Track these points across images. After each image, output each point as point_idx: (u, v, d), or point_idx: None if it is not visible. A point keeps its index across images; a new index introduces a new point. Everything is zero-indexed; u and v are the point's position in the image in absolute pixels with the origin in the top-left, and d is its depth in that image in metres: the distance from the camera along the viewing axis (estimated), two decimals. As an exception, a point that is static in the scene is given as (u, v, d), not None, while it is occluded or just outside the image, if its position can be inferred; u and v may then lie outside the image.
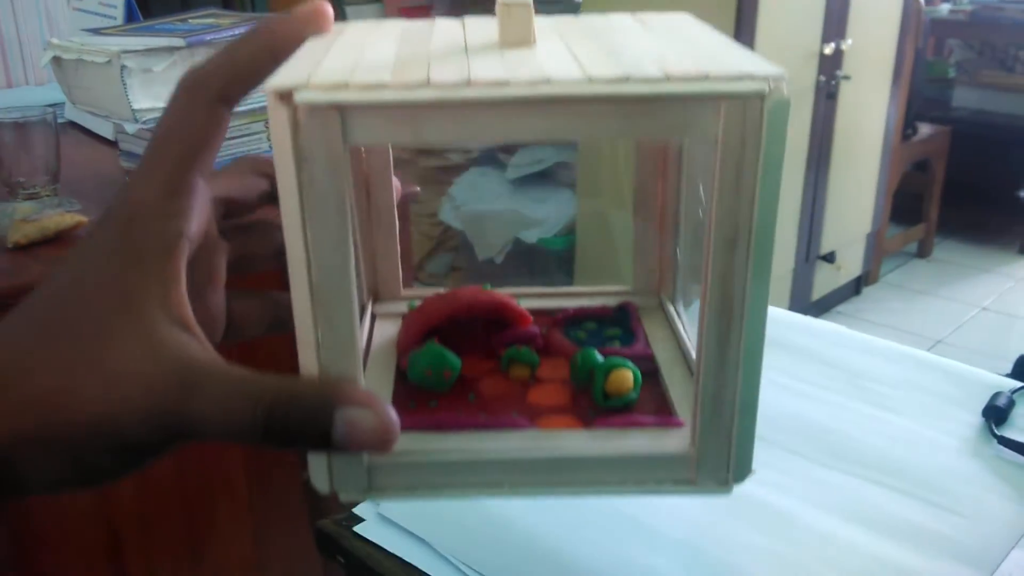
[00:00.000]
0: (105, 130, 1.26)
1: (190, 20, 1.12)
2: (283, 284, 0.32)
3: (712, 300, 0.33)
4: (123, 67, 0.99)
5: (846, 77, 2.34)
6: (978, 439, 0.65)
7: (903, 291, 2.95)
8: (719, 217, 0.31)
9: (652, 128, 0.31)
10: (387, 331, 0.45)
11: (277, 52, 0.32)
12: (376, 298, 0.49)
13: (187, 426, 0.29)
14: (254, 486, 1.07)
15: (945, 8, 3.42)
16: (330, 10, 0.34)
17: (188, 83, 0.31)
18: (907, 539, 0.55)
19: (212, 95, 0.31)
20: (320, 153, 0.29)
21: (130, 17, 1.28)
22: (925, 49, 3.07)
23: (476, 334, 0.43)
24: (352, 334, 0.32)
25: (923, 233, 3.17)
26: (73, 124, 1.34)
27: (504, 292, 0.44)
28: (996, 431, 0.65)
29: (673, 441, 0.36)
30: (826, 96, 2.32)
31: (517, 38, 0.33)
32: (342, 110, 0.29)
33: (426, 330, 0.41)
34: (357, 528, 0.56)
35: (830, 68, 2.30)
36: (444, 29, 0.37)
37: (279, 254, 0.32)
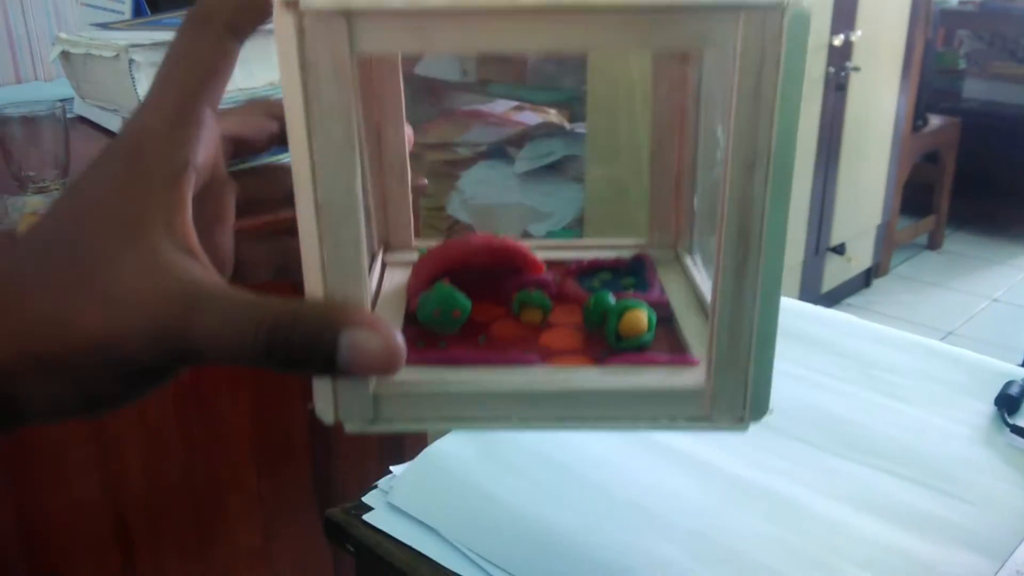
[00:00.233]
0: (114, 124, 1.26)
1: (198, 13, 1.12)
2: (293, 231, 0.32)
3: (729, 227, 0.32)
4: (131, 61, 0.99)
5: (856, 68, 2.33)
6: (990, 428, 0.65)
7: (913, 283, 2.94)
8: (737, 139, 0.31)
9: (667, 40, 0.30)
10: (398, 278, 0.44)
11: None
12: (387, 247, 0.48)
13: (190, 348, 0.28)
14: (263, 476, 1.07)
15: (955, -2, 3.40)
16: None
17: (196, 14, 0.31)
18: (918, 528, 0.55)
19: (220, 26, 0.31)
20: (326, 62, 0.28)
21: (138, 12, 1.29)
22: (935, 40, 3.06)
23: (488, 281, 0.42)
24: (358, 256, 0.31)
25: (933, 225, 3.15)
26: (82, 119, 1.34)
27: (524, 244, 0.43)
28: (1008, 420, 0.65)
29: (688, 377, 0.36)
30: (836, 87, 2.31)
31: None
32: (349, 16, 0.28)
33: (437, 273, 0.41)
34: (366, 517, 0.56)
35: (839, 59, 2.29)
36: None
37: (288, 198, 0.32)
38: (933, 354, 0.75)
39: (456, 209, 2.58)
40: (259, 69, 0.98)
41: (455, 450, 0.61)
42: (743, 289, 0.32)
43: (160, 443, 0.99)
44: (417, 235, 0.48)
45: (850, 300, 2.77)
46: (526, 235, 2.38)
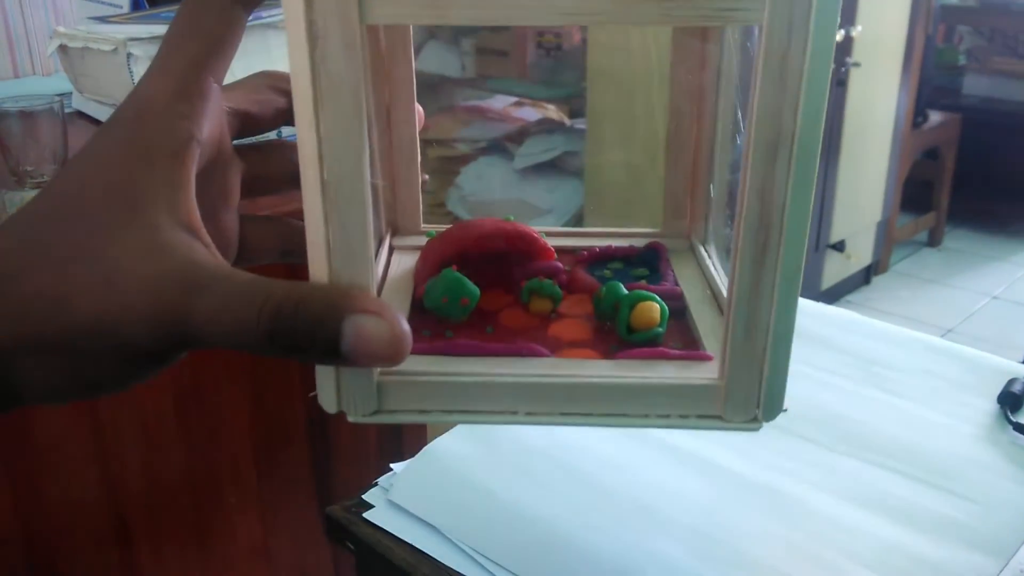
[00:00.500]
0: (112, 119, 1.26)
1: (196, 7, 1.12)
2: (301, 213, 0.31)
3: (749, 214, 0.30)
4: (129, 55, 0.99)
5: (856, 64, 2.33)
6: (993, 426, 0.65)
7: (913, 280, 2.94)
8: (760, 118, 0.29)
9: (692, 14, 0.28)
10: (405, 263, 0.43)
11: None
12: (395, 231, 0.46)
13: (190, 330, 0.27)
14: (263, 472, 1.07)
15: (955, -6, 3.39)
16: None
17: None
18: (920, 526, 0.54)
19: None
20: (335, 30, 0.27)
21: (136, 5, 1.28)
22: (935, 36, 3.05)
23: (498, 267, 0.41)
24: (365, 238, 0.30)
25: (933, 222, 3.15)
26: (80, 113, 1.34)
27: (535, 230, 0.42)
28: (1011, 417, 0.65)
29: (700, 373, 0.34)
30: (836, 83, 2.30)
31: None
32: None
33: (445, 259, 0.39)
34: (367, 514, 0.56)
35: (840, 55, 2.28)
36: None
37: (296, 178, 0.30)
38: (935, 351, 0.75)
39: (455, 205, 2.57)
40: (258, 64, 0.97)
41: (456, 447, 0.61)
42: (761, 281, 0.31)
43: (159, 439, 0.99)
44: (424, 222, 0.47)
45: (850, 297, 2.77)
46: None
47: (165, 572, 1.02)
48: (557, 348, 0.36)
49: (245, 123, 0.34)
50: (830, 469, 0.60)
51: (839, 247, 2.57)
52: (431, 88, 2.58)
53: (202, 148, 0.30)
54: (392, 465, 0.60)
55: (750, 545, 0.53)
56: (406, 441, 1.11)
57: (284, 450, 1.08)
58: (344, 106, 0.28)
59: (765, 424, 0.34)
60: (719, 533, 0.54)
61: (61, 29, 1.10)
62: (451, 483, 0.58)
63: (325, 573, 1.15)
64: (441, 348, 0.35)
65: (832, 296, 2.67)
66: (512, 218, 0.41)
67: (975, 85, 3.34)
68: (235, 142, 0.35)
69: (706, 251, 0.45)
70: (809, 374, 0.71)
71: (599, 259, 0.44)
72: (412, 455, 0.60)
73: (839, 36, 2.24)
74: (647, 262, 0.44)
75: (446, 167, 2.58)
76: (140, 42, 0.99)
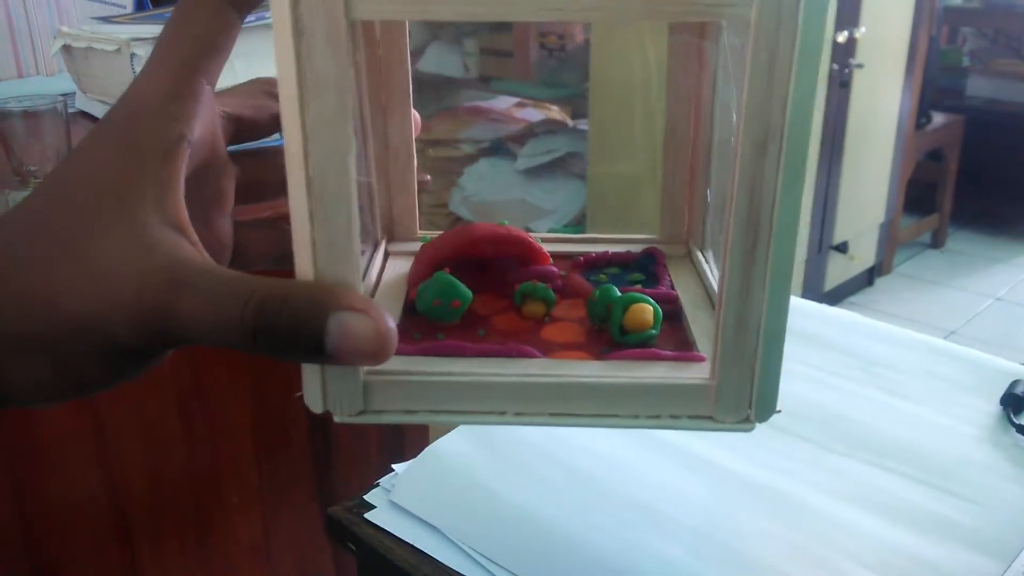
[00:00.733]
0: (115, 119, 1.26)
1: (200, 8, 1.12)
2: None
3: (738, 211, 0.30)
4: (133, 55, 0.99)
5: (859, 65, 2.32)
6: (996, 427, 0.64)
7: (916, 281, 2.93)
8: (749, 115, 0.29)
9: (679, 9, 0.28)
10: (400, 268, 0.43)
11: None
12: (391, 237, 0.46)
13: (174, 327, 0.27)
14: (264, 472, 1.07)
15: (959, -4, 3.39)
16: None
17: None
18: (923, 528, 0.54)
19: None
20: (320, 26, 0.27)
21: (140, 5, 1.28)
22: (939, 37, 3.05)
23: (492, 271, 0.41)
24: (351, 236, 0.30)
25: (937, 223, 3.15)
26: (84, 113, 1.34)
27: (530, 234, 0.42)
28: (1014, 419, 0.64)
29: (692, 373, 0.34)
30: (839, 84, 2.30)
31: None
32: None
33: (438, 262, 0.39)
34: (368, 515, 0.56)
35: (843, 56, 2.28)
36: None
37: None
38: (938, 353, 0.74)
39: (458, 206, 2.57)
40: (260, 65, 0.97)
41: (457, 448, 0.61)
42: (751, 278, 0.31)
43: (161, 439, 0.99)
44: (421, 227, 0.47)
45: (852, 299, 2.77)
46: (529, 232, 2.38)
47: (166, 571, 1.02)
48: (549, 350, 0.36)
49: (240, 128, 0.34)
50: (831, 470, 0.59)
51: (842, 248, 2.57)
52: (434, 88, 2.58)
53: (193, 149, 0.30)
54: (394, 465, 0.60)
55: (750, 545, 0.53)
56: (408, 441, 1.11)
57: (285, 450, 1.08)
58: (329, 104, 0.28)
59: (759, 425, 0.33)
60: (719, 533, 0.54)
61: (65, 29, 1.10)
62: (453, 484, 0.58)
63: (326, 574, 1.16)
64: (429, 349, 0.35)
65: (835, 297, 2.66)
66: (507, 222, 0.41)
67: (979, 87, 3.33)
68: (230, 148, 0.35)
69: (703, 256, 0.45)
70: (810, 375, 0.71)
71: (595, 264, 0.44)
72: (414, 455, 0.60)
73: (842, 37, 2.24)
74: (643, 267, 0.44)
75: (449, 168, 2.59)
76: (144, 42, 0.99)
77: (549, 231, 2.40)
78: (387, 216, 0.46)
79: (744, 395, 0.33)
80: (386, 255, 0.45)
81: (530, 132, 2.44)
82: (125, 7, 1.28)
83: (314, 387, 0.32)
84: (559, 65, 2.47)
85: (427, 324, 0.37)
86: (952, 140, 3.06)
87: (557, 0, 0.28)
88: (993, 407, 0.67)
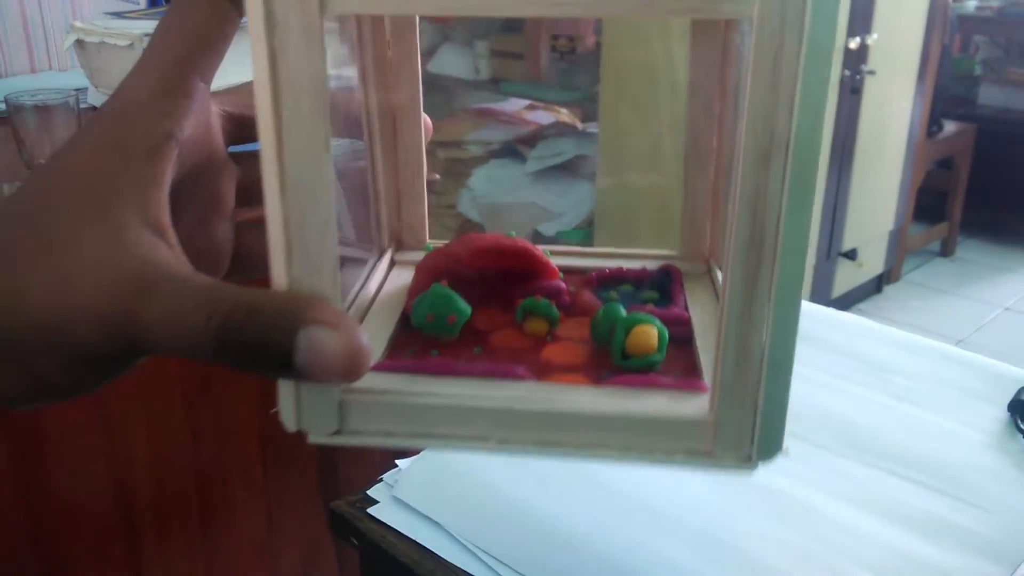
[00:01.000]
0: (127, 114, 1.26)
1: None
2: None
3: (739, 230, 0.28)
4: (145, 50, 0.99)
5: (871, 72, 2.32)
6: (1003, 434, 0.64)
7: (925, 290, 2.92)
8: (752, 124, 0.26)
9: (676, 6, 0.27)
10: (404, 279, 0.41)
11: None
12: (399, 245, 0.44)
13: (138, 334, 0.26)
14: (269, 470, 1.07)
15: (972, 4, 3.38)
16: None
17: None
18: (929, 533, 0.54)
19: None
20: (295, 20, 0.26)
21: (153, 1, 1.29)
22: (951, 45, 3.04)
23: (497, 285, 0.38)
24: (327, 243, 0.28)
25: (946, 232, 3.14)
26: (96, 109, 1.35)
27: (537, 248, 0.40)
28: (1021, 426, 0.64)
29: (691, 405, 0.31)
30: (850, 91, 2.29)
31: None
32: None
33: (438, 274, 0.38)
34: (371, 510, 0.56)
35: (855, 63, 2.27)
36: None
37: None
38: (946, 359, 0.74)
39: (467, 207, 2.58)
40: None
41: (462, 445, 0.61)
42: (754, 304, 0.28)
43: (167, 434, 0.99)
44: (430, 233, 0.46)
45: (861, 306, 2.76)
46: (537, 235, 2.38)
47: (171, 566, 1.03)
48: (546, 372, 0.34)
49: (242, 128, 0.33)
50: (838, 474, 0.59)
51: (851, 255, 2.56)
52: (445, 90, 2.58)
53: (186, 148, 0.29)
54: (397, 461, 0.60)
55: (757, 548, 0.53)
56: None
57: (290, 446, 1.08)
58: (304, 101, 0.27)
59: (762, 466, 0.31)
60: (726, 536, 0.53)
61: (78, 24, 1.11)
62: (456, 480, 0.58)
63: (329, 569, 1.16)
64: (414, 366, 0.33)
65: (843, 304, 2.66)
66: (515, 233, 0.39)
67: (991, 95, 3.32)
68: (232, 148, 0.34)
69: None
70: (819, 379, 0.70)
71: (608, 281, 0.42)
72: (417, 452, 0.60)
73: (854, 43, 2.24)
74: (659, 285, 0.41)
75: (458, 169, 2.59)
76: (155, 38, 0.99)
77: (557, 233, 2.40)
78: (395, 224, 0.44)
79: (745, 432, 0.30)
80: (392, 264, 0.43)
81: (540, 134, 2.44)
82: (138, 2, 1.29)
83: (288, 403, 0.30)
84: (570, 68, 2.47)
85: (422, 339, 0.36)
86: (963, 149, 3.05)
87: None
88: (1001, 413, 0.66)
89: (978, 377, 0.71)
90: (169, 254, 0.27)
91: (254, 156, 0.35)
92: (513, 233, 0.39)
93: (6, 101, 1.01)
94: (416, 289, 0.38)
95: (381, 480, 0.59)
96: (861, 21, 2.25)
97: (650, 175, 2.06)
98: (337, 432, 0.31)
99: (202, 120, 0.30)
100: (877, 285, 2.85)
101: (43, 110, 1.01)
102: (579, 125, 2.48)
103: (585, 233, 2.41)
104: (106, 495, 0.95)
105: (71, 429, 0.91)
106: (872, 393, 0.69)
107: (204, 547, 1.05)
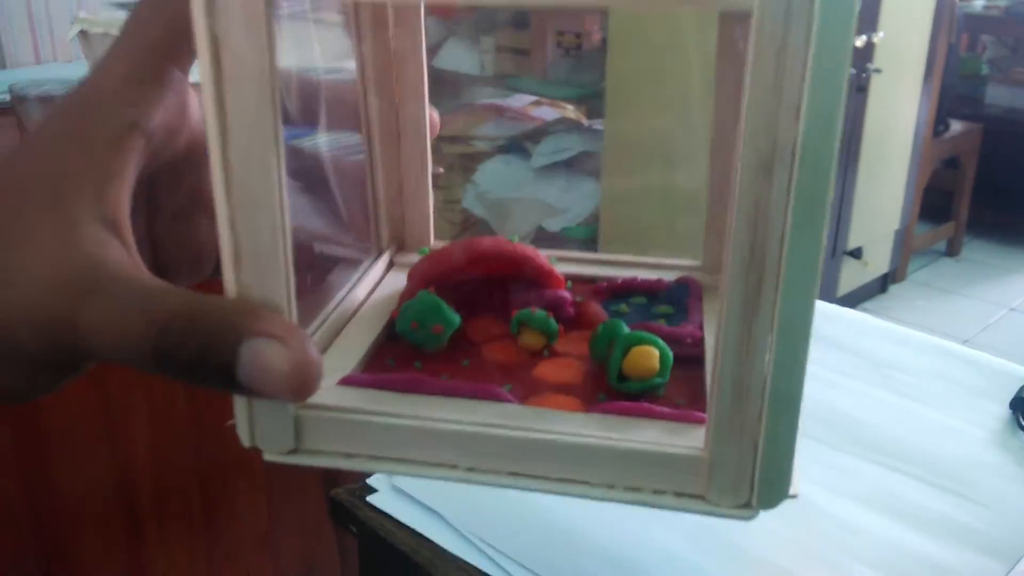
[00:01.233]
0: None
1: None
2: None
3: (737, 249, 0.24)
4: (149, 41, 0.99)
5: (877, 70, 2.31)
6: (1005, 431, 0.64)
7: (930, 290, 2.91)
8: (751, 127, 0.23)
9: None
10: (400, 282, 0.38)
11: None
12: (401, 246, 0.42)
13: (78, 340, 0.24)
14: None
15: (979, 4, 3.37)
16: None
17: None
18: (930, 529, 0.54)
19: None
20: (237, 4, 0.24)
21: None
22: (958, 45, 3.03)
23: (496, 293, 0.36)
24: (278, 247, 0.26)
25: (952, 231, 3.13)
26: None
27: (544, 252, 0.37)
28: (1023, 423, 0.64)
29: (686, 440, 0.28)
30: (856, 89, 2.29)
31: None
32: None
33: (429, 280, 0.35)
34: (370, 498, 0.56)
35: (861, 61, 2.27)
36: None
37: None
38: (949, 356, 0.74)
39: (471, 203, 2.58)
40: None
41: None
42: (753, 332, 0.25)
43: (169, 424, 0.99)
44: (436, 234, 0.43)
45: (866, 305, 2.75)
46: (542, 231, 2.38)
47: (172, 555, 1.03)
48: (534, 392, 0.31)
49: None
50: (839, 469, 0.59)
51: (856, 254, 2.55)
52: (450, 85, 2.58)
53: (158, 140, 0.27)
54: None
55: (755, 543, 0.53)
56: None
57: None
58: (249, 91, 0.24)
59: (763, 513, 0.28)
60: (724, 530, 0.53)
61: (83, 15, 1.11)
62: (456, 471, 0.58)
63: (330, 558, 1.16)
64: (383, 381, 0.30)
65: (848, 303, 2.65)
66: (518, 238, 0.37)
67: (998, 95, 3.31)
68: None
69: None
70: (821, 375, 0.70)
71: (620, 292, 0.38)
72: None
73: (860, 42, 2.23)
74: (675, 299, 0.38)
75: (463, 164, 2.59)
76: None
77: (562, 230, 2.40)
78: (397, 223, 0.41)
79: (744, 474, 0.27)
80: (390, 266, 0.41)
81: (545, 130, 2.44)
82: (143, -6, 1.29)
83: (243, 417, 0.28)
84: (576, 64, 2.47)
85: (407, 349, 0.33)
86: (970, 148, 3.04)
87: None
88: (1003, 410, 0.66)
89: (980, 374, 0.71)
90: (120, 253, 0.25)
91: None
92: (516, 238, 0.37)
93: (10, 92, 1.01)
94: (407, 295, 0.35)
95: (381, 470, 0.59)
96: (867, 19, 2.25)
97: (655, 172, 2.06)
98: (293, 451, 0.29)
99: (178, 109, 0.28)
100: (882, 284, 2.85)
101: (47, 101, 1.01)
102: (585, 121, 2.48)
103: (590, 229, 2.41)
104: (108, 484, 0.96)
105: (73, 418, 0.91)
106: (874, 389, 0.69)
107: (205, 536, 1.05)
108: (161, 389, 0.97)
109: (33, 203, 0.25)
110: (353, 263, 0.38)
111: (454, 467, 0.28)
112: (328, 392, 0.29)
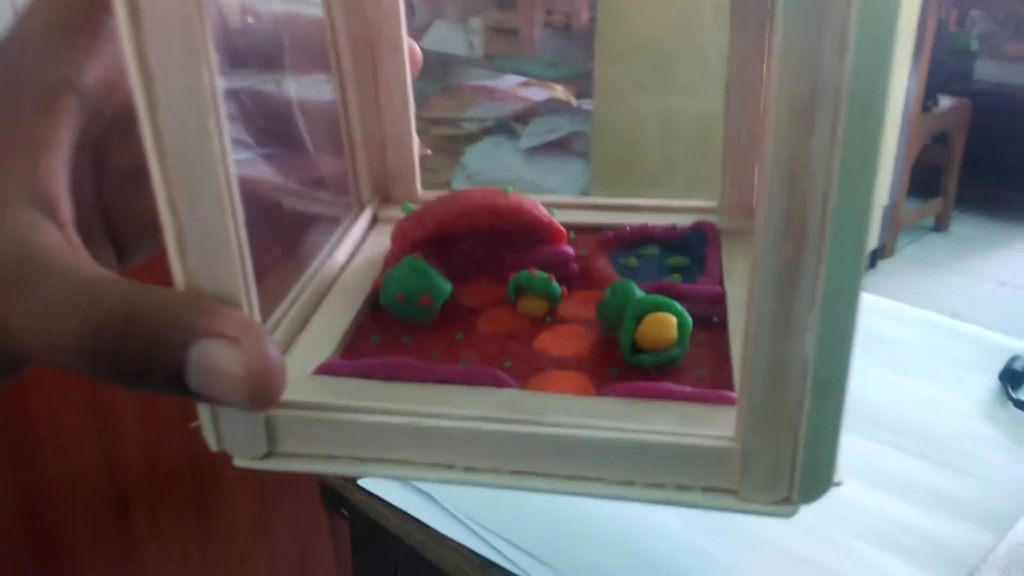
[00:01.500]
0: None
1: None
2: None
3: (771, 210, 0.20)
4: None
5: (866, 46, 2.31)
6: (994, 402, 0.64)
7: (920, 265, 2.92)
8: (785, 68, 0.19)
9: None
10: (385, 242, 0.34)
11: None
12: (385, 199, 0.37)
13: (9, 341, 0.21)
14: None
15: (968, -22, 3.36)
16: None
17: None
18: (920, 500, 0.54)
19: None
20: None
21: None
22: (947, 20, 3.02)
23: (491, 252, 0.32)
24: (226, 223, 0.22)
25: (941, 207, 3.13)
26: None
27: (543, 199, 0.33)
28: (1012, 394, 0.64)
29: (714, 425, 0.24)
30: (845, 66, 2.29)
31: None
32: None
33: (417, 240, 0.31)
34: (361, 481, 0.56)
35: (850, 37, 2.27)
36: None
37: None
38: (938, 328, 0.74)
39: (460, 184, 2.57)
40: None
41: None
42: (792, 307, 0.21)
43: (159, 411, 0.99)
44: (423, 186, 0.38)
45: (855, 281, 2.76)
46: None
47: (163, 543, 1.03)
48: (537, 369, 0.27)
49: None
50: (829, 443, 0.59)
51: (846, 231, 2.56)
52: (438, 67, 2.57)
53: (96, 99, 0.24)
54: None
55: (747, 516, 0.53)
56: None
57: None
58: (174, 42, 0.20)
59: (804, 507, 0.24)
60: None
61: None
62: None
63: (323, 543, 1.16)
64: (365, 369, 0.27)
65: (838, 280, 2.66)
66: (512, 189, 0.33)
67: (987, 71, 3.31)
68: None
69: None
70: (810, 349, 0.70)
71: (629, 241, 0.35)
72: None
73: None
74: (690, 248, 0.34)
75: (452, 146, 2.58)
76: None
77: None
78: (379, 173, 0.37)
79: (782, 467, 0.23)
80: (373, 222, 0.36)
81: (534, 111, 2.43)
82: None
83: (207, 419, 0.24)
84: (564, 44, 2.46)
85: (394, 322, 0.30)
86: (958, 124, 3.04)
87: None
88: (992, 382, 0.66)
89: (970, 347, 0.71)
90: (54, 237, 0.22)
91: None
92: (510, 189, 0.33)
93: None
94: (391, 260, 0.32)
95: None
96: (856, -5, 2.24)
97: (644, 152, 2.05)
98: (267, 455, 0.25)
99: (117, 60, 0.24)
100: (871, 260, 2.85)
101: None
102: (573, 102, 2.47)
103: (579, 210, 2.40)
104: (98, 473, 0.95)
105: (63, 407, 0.91)
106: (863, 363, 0.69)
107: (198, 524, 1.05)
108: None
109: None
110: (330, 222, 0.34)
111: (450, 467, 0.25)
112: (304, 384, 0.26)
